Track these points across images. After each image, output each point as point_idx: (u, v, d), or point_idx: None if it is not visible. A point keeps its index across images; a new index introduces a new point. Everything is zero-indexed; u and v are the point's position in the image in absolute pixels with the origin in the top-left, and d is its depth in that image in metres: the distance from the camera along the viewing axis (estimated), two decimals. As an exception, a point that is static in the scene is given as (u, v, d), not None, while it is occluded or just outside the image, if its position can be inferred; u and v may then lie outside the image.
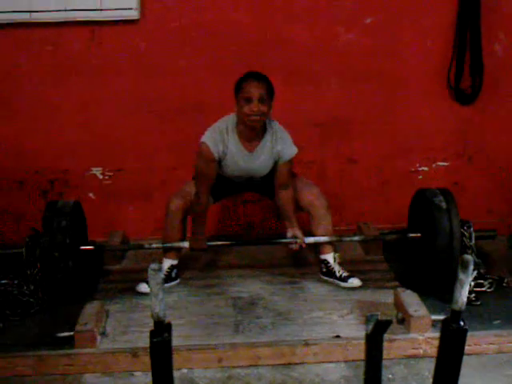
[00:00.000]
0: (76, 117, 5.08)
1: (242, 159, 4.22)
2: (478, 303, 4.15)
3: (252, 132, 4.16)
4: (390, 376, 3.52)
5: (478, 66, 5.09)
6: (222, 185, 4.42)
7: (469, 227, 4.34)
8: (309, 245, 4.46)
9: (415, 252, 4.49)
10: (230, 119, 4.20)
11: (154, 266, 2.51)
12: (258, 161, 4.24)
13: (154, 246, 4.48)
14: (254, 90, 4.00)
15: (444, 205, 4.20)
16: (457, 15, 5.03)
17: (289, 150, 4.25)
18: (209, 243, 4.41)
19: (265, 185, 4.46)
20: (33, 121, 5.05)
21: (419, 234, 4.40)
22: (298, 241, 4.36)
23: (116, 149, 5.16)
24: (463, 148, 5.20)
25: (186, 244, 4.39)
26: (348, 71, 5.15)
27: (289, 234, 4.39)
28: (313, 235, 4.48)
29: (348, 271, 4.46)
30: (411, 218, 4.57)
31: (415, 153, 5.20)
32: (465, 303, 2.64)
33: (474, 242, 4.34)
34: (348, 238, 4.67)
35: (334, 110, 5.21)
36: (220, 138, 4.15)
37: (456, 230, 4.15)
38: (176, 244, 4.42)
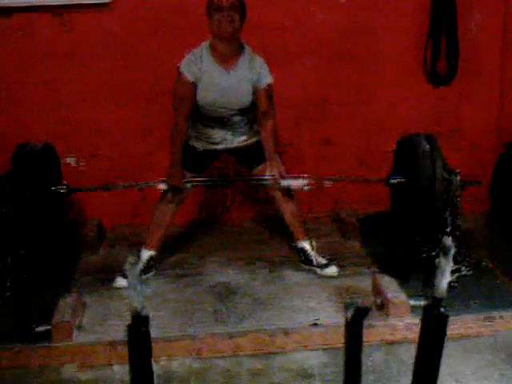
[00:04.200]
0: (48, 103, 5.02)
1: (218, 77, 4.15)
2: (456, 285, 4.15)
3: (226, 47, 4.12)
4: (370, 362, 3.52)
5: (453, 45, 5.08)
6: (202, 156, 4.38)
7: (456, 175, 4.21)
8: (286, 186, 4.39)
9: (397, 200, 4.48)
10: (204, 42, 4.20)
11: (131, 259, 2.48)
12: (236, 79, 4.17)
13: (127, 184, 4.52)
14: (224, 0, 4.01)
15: (428, 148, 4.16)
16: (432, -7, 5.02)
17: (267, 74, 4.21)
18: (185, 181, 4.32)
19: (244, 151, 4.41)
20: (3, 109, 4.99)
21: (403, 179, 4.34)
22: (271, 182, 4.29)
23: (90, 135, 5.11)
24: (439, 128, 5.20)
25: (161, 185, 4.32)
26: (323, 52, 5.13)
27: (267, 171, 4.31)
28: (284, 221, 4.51)
29: (326, 257, 4.46)
30: (396, 164, 4.51)
31: (392, 133, 5.15)
32: (446, 289, 2.63)
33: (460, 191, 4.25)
34: (328, 180, 4.65)
35: (310, 91, 5.20)
36: (194, 59, 4.14)
37: (439, 172, 4.10)
38: (151, 183, 4.38)
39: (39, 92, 4.99)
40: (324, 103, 5.23)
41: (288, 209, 4.46)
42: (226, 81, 4.16)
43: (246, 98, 4.23)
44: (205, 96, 4.17)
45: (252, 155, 4.40)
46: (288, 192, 4.42)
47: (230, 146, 4.39)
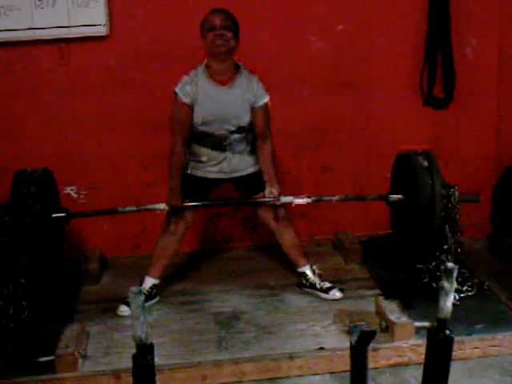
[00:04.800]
0: (48, 135, 5.03)
1: (213, 93, 4.18)
2: (458, 303, 4.13)
3: (221, 66, 4.17)
4: (377, 386, 3.52)
5: (449, 69, 5.11)
6: (200, 184, 4.36)
7: (454, 191, 4.28)
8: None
9: (397, 216, 4.51)
10: (200, 64, 4.25)
11: (134, 289, 2.48)
12: (233, 96, 4.20)
13: (128, 209, 4.45)
14: (216, 19, 4.09)
15: (426, 164, 4.21)
16: (427, 20, 5.05)
17: (264, 92, 4.26)
18: (185, 204, 4.31)
19: (243, 180, 4.38)
20: (3, 141, 5.00)
21: (401, 196, 4.38)
22: (272, 199, 4.29)
23: (89, 167, 5.12)
24: (438, 153, 5.19)
25: (161, 206, 4.32)
26: (320, 79, 5.16)
27: (266, 191, 4.31)
28: (283, 249, 4.53)
29: (328, 281, 4.46)
30: (394, 181, 4.55)
31: (390, 159, 5.20)
32: (450, 312, 2.63)
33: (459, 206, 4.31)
34: (327, 198, 4.59)
35: (307, 119, 5.21)
36: (189, 80, 4.19)
37: (437, 188, 4.14)
38: (151, 206, 4.38)
39: (38, 124, 5.01)
40: (322, 130, 5.25)
41: (286, 236, 4.46)
42: (221, 96, 4.19)
43: (243, 116, 4.25)
44: (201, 115, 4.20)
45: (251, 184, 4.39)
46: (285, 220, 4.43)
47: (228, 172, 4.36)
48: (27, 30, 4.79)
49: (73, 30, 4.82)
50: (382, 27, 5.09)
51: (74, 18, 4.80)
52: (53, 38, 4.84)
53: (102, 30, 4.85)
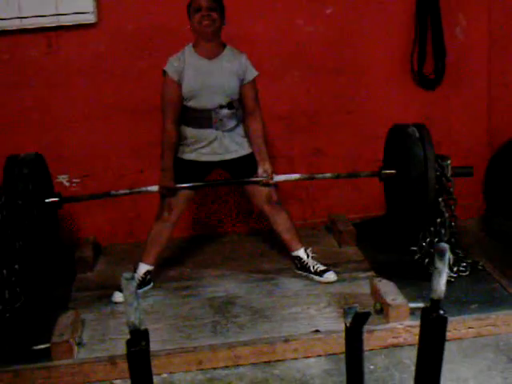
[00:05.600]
0: (38, 124, 5.02)
1: (201, 65, 4.21)
2: (453, 280, 4.17)
3: (209, 43, 4.22)
4: (372, 367, 3.52)
5: (439, 50, 5.11)
6: (193, 169, 4.35)
7: (447, 162, 4.24)
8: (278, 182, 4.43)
9: (391, 193, 4.52)
10: (188, 45, 4.29)
11: (126, 274, 2.47)
12: (220, 67, 4.23)
13: (121, 192, 4.46)
14: (203, 0, 4.12)
15: (417, 134, 4.19)
16: (417, 1, 5.04)
17: (252, 68, 4.30)
18: (178, 185, 4.30)
19: (236, 163, 4.37)
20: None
21: (394, 171, 4.38)
22: (266, 178, 4.32)
23: (81, 155, 5.10)
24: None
25: (154, 188, 4.32)
26: (310, 62, 5.15)
27: (259, 170, 4.34)
28: (277, 234, 4.53)
29: (322, 264, 4.46)
30: (386, 156, 4.56)
31: (382, 141, 5.20)
32: (443, 292, 2.63)
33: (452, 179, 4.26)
34: (320, 175, 4.62)
35: (299, 102, 5.22)
36: (177, 58, 4.23)
37: (430, 159, 4.12)
38: (144, 189, 4.40)
39: (29, 114, 5.00)
40: (313, 113, 5.25)
41: (280, 220, 4.46)
42: (209, 68, 4.22)
43: (231, 88, 4.25)
44: (189, 86, 4.20)
45: (244, 168, 4.38)
46: (278, 204, 4.44)
47: (220, 153, 4.33)
48: (14, 19, 4.77)
49: (61, 18, 4.81)
50: (370, 9, 5.08)
51: (62, 6, 4.78)
52: (41, 26, 4.82)
53: (90, 18, 4.84)
